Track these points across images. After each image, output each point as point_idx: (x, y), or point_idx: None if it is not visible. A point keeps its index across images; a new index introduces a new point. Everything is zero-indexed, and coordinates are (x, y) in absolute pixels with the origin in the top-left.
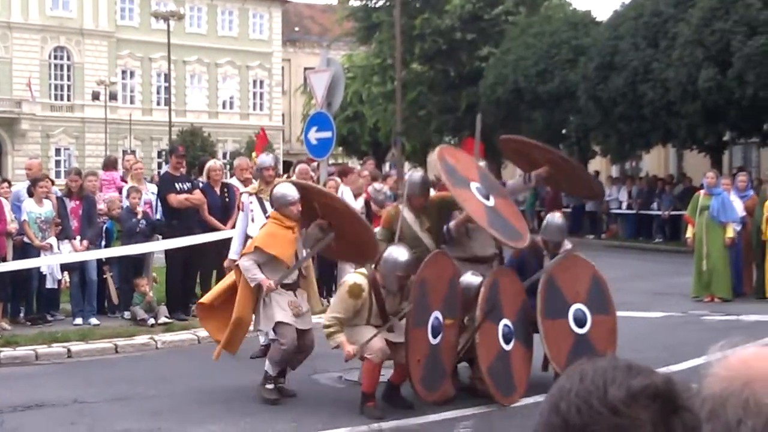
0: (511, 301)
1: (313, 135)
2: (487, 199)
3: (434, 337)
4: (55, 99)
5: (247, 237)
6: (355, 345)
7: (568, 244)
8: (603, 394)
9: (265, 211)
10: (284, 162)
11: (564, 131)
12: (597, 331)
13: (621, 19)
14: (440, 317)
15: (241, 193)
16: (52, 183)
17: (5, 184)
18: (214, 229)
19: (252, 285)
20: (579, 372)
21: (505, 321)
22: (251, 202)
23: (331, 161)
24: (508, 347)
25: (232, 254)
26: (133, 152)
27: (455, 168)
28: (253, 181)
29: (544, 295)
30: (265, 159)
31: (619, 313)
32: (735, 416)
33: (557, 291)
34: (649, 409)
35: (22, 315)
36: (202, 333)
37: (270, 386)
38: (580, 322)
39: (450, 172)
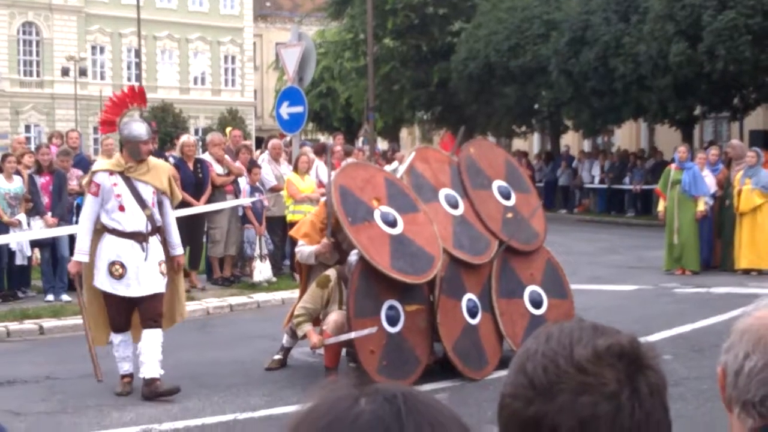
0: (473, 276)
1: (285, 110)
2: (455, 207)
3: (392, 325)
4: (24, 75)
5: (106, 229)
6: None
7: None
8: (569, 354)
9: (138, 195)
10: (256, 138)
11: (536, 106)
12: (554, 314)
13: None
14: (398, 305)
15: (94, 172)
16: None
17: None
18: (187, 204)
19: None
20: (545, 333)
21: (468, 295)
22: (115, 184)
23: (303, 137)
24: (474, 321)
25: (80, 255)
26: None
27: (423, 176)
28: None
29: (498, 275)
30: (138, 129)
31: (591, 287)
32: (744, 349)
33: (511, 272)
34: (615, 368)
35: None
36: None
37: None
38: (537, 304)
39: (349, 211)
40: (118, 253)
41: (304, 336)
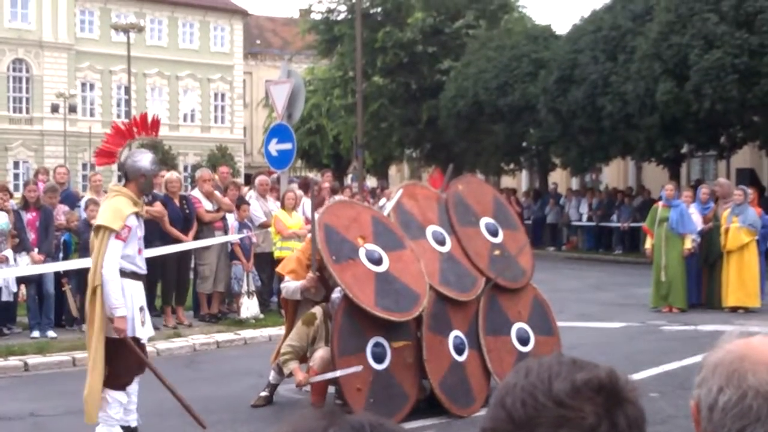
0: (460, 313)
1: (274, 147)
2: (442, 244)
3: (378, 362)
4: (14, 111)
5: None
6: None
7: None
8: (548, 388)
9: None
10: (246, 175)
11: (524, 144)
12: (541, 351)
13: (580, 32)
14: (384, 342)
15: (127, 215)
16: (11, 196)
17: None
18: (176, 240)
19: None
20: (524, 368)
21: (455, 332)
22: (137, 226)
23: (291, 174)
24: (461, 358)
25: (124, 309)
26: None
27: (411, 213)
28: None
29: (485, 312)
30: (153, 161)
31: (578, 324)
32: (718, 383)
33: (499, 309)
34: (593, 402)
35: None
36: (161, 346)
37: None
38: (524, 341)
39: (333, 249)
40: (141, 296)
41: (291, 374)
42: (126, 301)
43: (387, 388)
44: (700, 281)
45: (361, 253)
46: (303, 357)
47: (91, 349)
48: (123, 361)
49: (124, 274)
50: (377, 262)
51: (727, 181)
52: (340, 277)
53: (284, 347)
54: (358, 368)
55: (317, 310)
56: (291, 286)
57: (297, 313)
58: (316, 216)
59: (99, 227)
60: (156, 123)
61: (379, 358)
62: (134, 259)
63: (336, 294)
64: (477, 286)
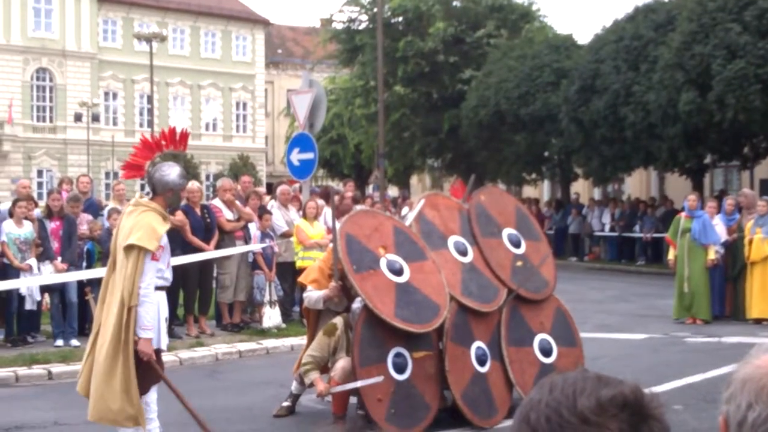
0: (482, 324)
1: (296, 156)
2: (464, 255)
3: (399, 373)
4: (37, 120)
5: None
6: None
7: None
8: (572, 404)
9: None
10: (267, 184)
11: (546, 153)
12: (563, 363)
13: (602, 42)
14: (405, 352)
15: (161, 235)
16: (35, 204)
17: None
18: (198, 249)
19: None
20: (549, 384)
21: (477, 343)
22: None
23: (313, 183)
24: (483, 369)
25: (151, 331)
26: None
27: (433, 223)
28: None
29: (507, 323)
30: (182, 174)
31: (601, 335)
32: (747, 400)
33: (521, 320)
34: (618, 418)
35: (1, 337)
36: (184, 355)
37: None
38: (546, 352)
39: (354, 259)
40: (166, 307)
41: (312, 384)
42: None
43: (408, 398)
44: (724, 292)
45: (382, 263)
46: (324, 367)
47: (111, 363)
48: (139, 371)
49: (155, 287)
50: (398, 272)
51: (751, 192)
52: (360, 287)
53: (305, 357)
54: (379, 379)
55: (338, 320)
56: (313, 295)
57: (318, 323)
58: (338, 225)
59: (133, 246)
60: (185, 137)
61: (400, 368)
62: (164, 273)
63: (356, 304)
64: (499, 296)
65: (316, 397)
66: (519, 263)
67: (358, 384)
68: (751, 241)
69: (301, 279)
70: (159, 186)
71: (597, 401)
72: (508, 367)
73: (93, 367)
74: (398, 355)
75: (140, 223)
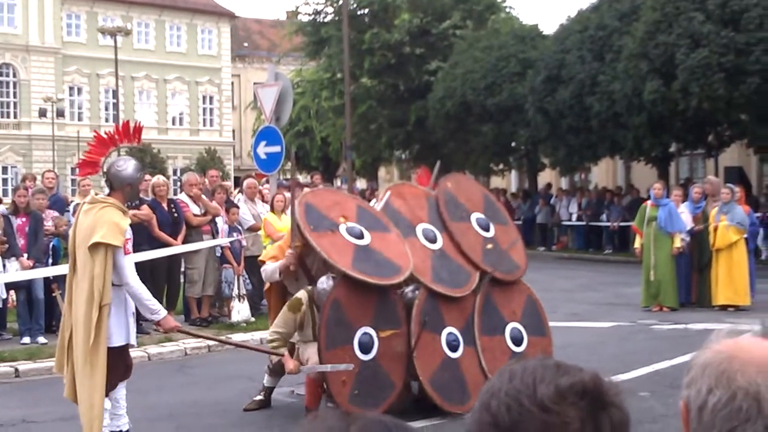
0: (454, 310)
1: (262, 150)
2: (433, 242)
3: (365, 353)
4: (1, 116)
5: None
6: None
7: None
8: (532, 393)
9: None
10: (235, 178)
11: (513, 144)
12: (533, 352)
13: (567, 32)
14: (371, 332)
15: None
16: (0, 201)
17: None
18: (165, 244)
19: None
20: (508, 371)
21: (449, 329)
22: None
23: (281, 176)
24: (455, 355)
25: (163, 310)
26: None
27: (400, 213)
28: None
29: (480, 311)
30: (139, 168)
31: (569, 324)
32: (707, 384)
33: (494, 308)
34: (578, 407)
35: None
36: (152, 351)
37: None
38: (517, 341)
39: (311, 221)
40: (132, 302)
41: (283, 371)
42: (119, 309)
43: (373, 378)
44: (690, 280)
45: (342, 228)
46: (291, 347)
47: (87, 363)
48: (108, 368)
49: (114, 284)
50: (358, 236)
51: (716, 179)
52: (317, 243)
53: (270, 333)
54: (350, 366)
55: (302, 294)
56: (270, 267)
57: (280, 305)
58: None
59: (98, 244)
60: (138, 130)
61: (366, 348)
62: None
63: (322, 285)
64: (471, 281)
65: (287, 373)
66: (489, 246)
67: (328, 368)
68: (716, 229)
69: (261, 258)
70: (116, 181)
71: (556, 389)
72: (481, 355)
73: (74, 373)
74: (364, 334)
75: (101, 220)
